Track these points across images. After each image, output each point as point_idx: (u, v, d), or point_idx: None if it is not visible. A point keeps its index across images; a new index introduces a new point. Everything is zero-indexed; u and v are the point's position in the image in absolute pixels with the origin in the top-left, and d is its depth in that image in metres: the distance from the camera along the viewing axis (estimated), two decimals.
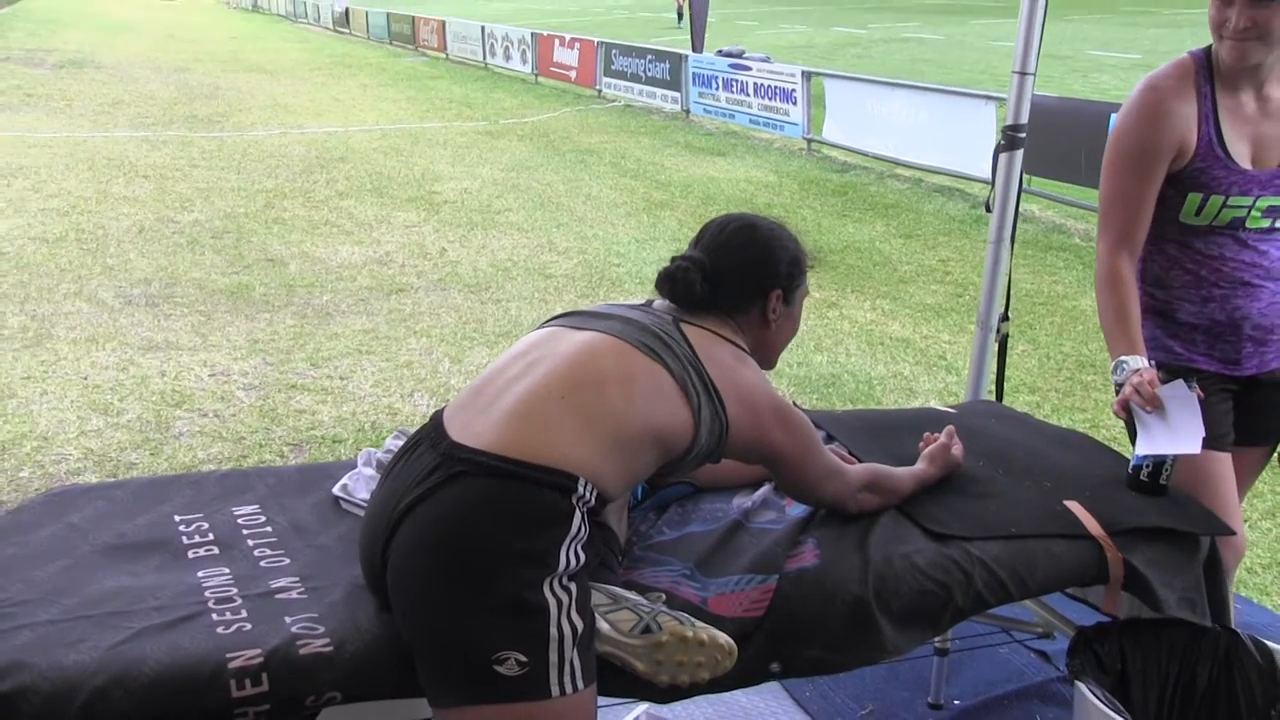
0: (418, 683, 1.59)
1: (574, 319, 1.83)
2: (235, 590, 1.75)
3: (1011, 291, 2.82)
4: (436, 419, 1.75)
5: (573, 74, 16.99)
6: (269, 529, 1.96)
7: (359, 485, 2.09)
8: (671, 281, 1.86)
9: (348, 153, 11.01)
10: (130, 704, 1.51)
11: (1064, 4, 31.25)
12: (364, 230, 7.66)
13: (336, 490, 2.09)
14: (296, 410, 4.32)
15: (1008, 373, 3.03)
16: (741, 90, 12.68)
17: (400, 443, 2.17)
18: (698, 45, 14.86)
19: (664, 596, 1.71)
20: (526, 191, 9.26)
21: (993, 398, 2.97)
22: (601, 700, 1.61)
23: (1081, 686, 1.83)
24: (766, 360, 1.93)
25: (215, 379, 4.60)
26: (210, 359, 4.84)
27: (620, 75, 15.65)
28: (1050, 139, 7.78)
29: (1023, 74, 2.62)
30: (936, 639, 2.72)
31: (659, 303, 1.90)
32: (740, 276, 1.86)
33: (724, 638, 1.63)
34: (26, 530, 1.93)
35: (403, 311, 5.76)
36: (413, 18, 25.00)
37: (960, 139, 9.15)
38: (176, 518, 1.98)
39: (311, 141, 11.68)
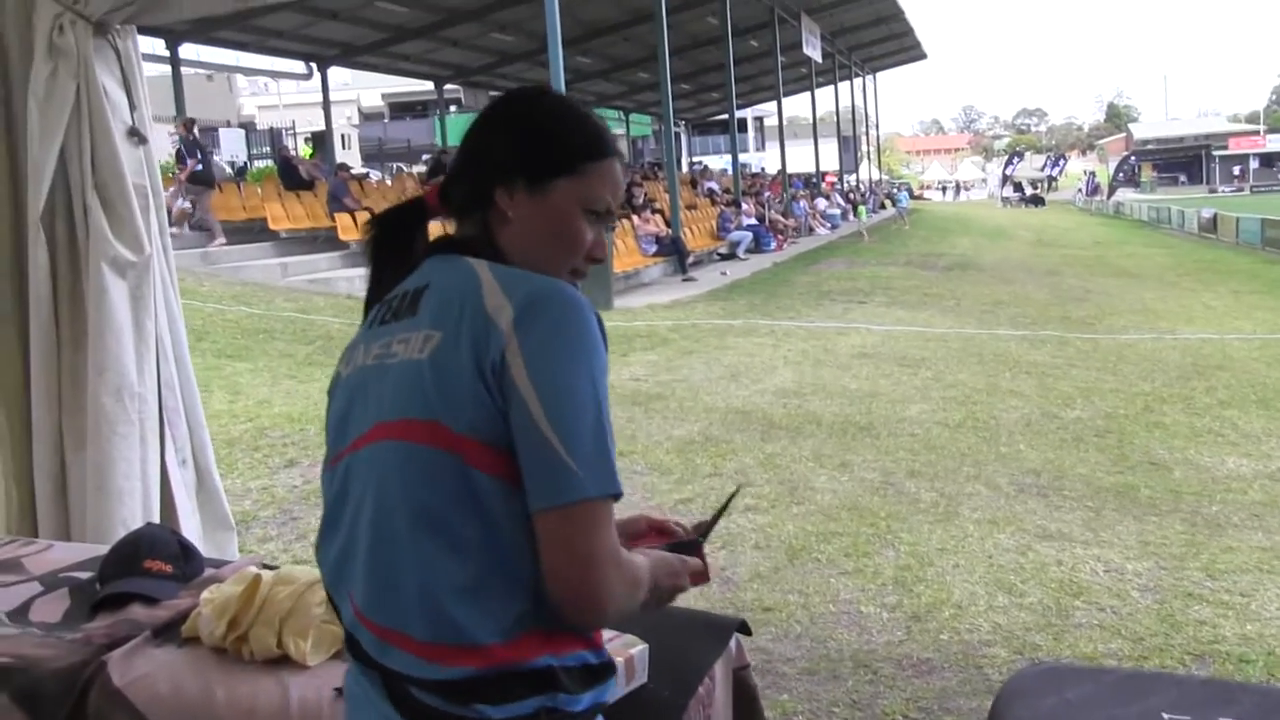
0: None
1: None
2: None
3: None
4: None
5: None
6: None
7: None
8: None
9: (1225, 361, 10.62)
10: None
11: None
12: (1251, 442, 7.32)
13: None
14: (1196, 620, 4.30)
15: None
16: None
17: None
18: None
19: None
20: None
21: None
22: None
23: None
24: None
25: (1110, 575, 4.80)
26: (1102, 554, 5.05)
27: None
28: None
29: None
30: None
31: None
32: None
33: None
34: (1029, 696, 2.30)
35: None
36: None
37: None
38: (1165, 715, 2.17)
39: (1185, 347, 11.49)
